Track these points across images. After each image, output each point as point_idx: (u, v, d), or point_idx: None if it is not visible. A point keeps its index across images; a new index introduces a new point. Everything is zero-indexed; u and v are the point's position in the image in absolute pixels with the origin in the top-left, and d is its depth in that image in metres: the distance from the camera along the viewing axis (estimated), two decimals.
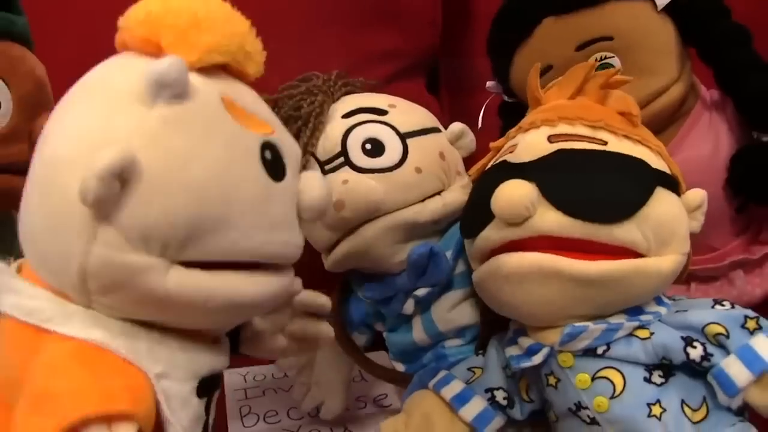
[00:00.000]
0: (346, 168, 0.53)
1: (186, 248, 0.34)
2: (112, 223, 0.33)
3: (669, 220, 0.44)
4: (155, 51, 0.36)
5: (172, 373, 0.36)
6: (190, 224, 0.33)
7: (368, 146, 0.53)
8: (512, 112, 0.64)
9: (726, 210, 0.59)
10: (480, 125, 0.65)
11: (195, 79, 0.36)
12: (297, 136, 0.53)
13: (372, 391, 0.68)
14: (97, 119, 0.35)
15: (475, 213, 0.47)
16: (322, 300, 0.48)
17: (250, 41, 0.39)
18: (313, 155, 0.54)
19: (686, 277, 0.58)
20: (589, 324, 0.43)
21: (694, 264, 0.58)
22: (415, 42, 0.84)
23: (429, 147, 0.55)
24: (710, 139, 0.58)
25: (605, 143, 0.45)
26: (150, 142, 0.33)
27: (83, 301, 0.35)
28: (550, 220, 0.42)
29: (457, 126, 0.58)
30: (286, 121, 0.53)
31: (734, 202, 0.58)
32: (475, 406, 0.50)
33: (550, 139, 0.46)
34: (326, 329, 0.49)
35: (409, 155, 0.53)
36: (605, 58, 0.55)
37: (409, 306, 0.56)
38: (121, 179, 0.32)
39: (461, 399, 0.50)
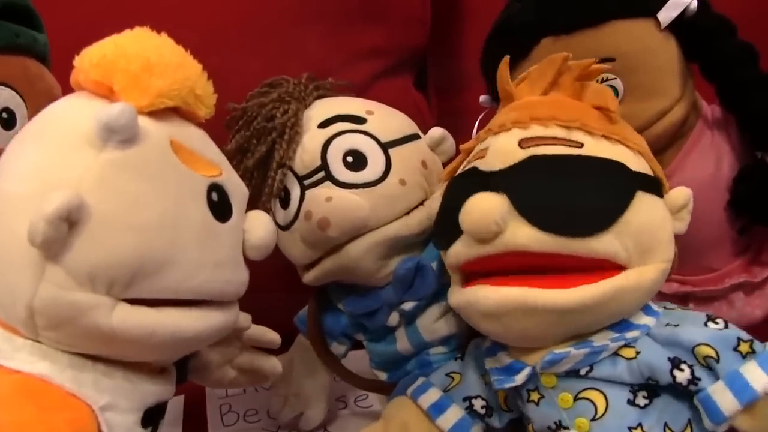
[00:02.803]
0: (328, 183, 0.51)
1: (131, 287, 0.36)
2: (59, 262, 0.34)
3: (651, 227, 0.42)
4: (108, 94, 0.38)
5: (117, 404, 0.38)
6: (135, 265, 0.35)
7: (350, 159, 0.51)
8: None
9: (727, 231, 0.57)
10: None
11: (145, 123, 0.38)
12: (271, 148, 0.52)
13: (352, 392, 0.67)
14: (48, 160, 0.37)
15: (445, 225, 0.45)
16: (271, 336, 0.51)
17: (200, 85, 0.41)
18: (291, 169, 0.52)
19: (684, 296, 0.57)
20: (571, 350, 0.42)
21: (693, 284, 0.57)
22: (403, 40, 0.83)
23: (411, 157, 0.53)
24: (712, 159, 0.57)
25: (581, 145, 0.43)
26: (98, 185, 0.35)
27: (31, 335, 0.37)
28: (522, 234, 0.40)
29: (437, 131, 0.56)
30: (260, 133, 0.52)
31: (736, 223, 0.56)
32: (453, 415, 0.49)
33: (521, 143, 0.43)
34: (274, 364, 0.52)
35: (392, 167, 0.51)
36: (607, 80, 0.53)
37: (393, 319, 0.54)
38: (69, 221, 0.34)
39: (438, 408, 0.50)
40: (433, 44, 0.87)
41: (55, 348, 0.37)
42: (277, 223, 0.52)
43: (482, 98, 0.63)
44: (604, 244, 0.40)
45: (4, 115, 0.50)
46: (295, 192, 0.52)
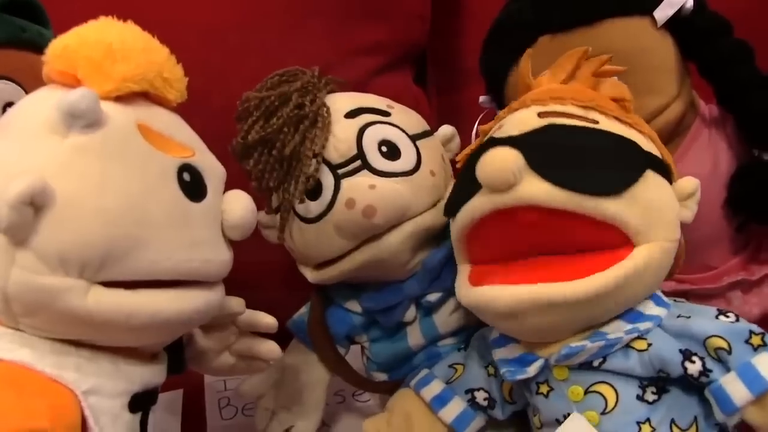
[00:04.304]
0: (365, 171, 0.51)
1: (104, 269, 0.36)
2: (29, 247, 0.35)
3: (658, 204, 0.42)
4: (73, 83, 0.39)
5: (101, 388, 0.38)
6: (105, 246, 0.35)
7: (384, 149, 0.51)
8: None
9: (725, 229, 0.58)
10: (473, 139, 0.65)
11: (110, 108, 0.38)
12: (303, 137, 0.50)
13: (350, 387, 0.66)
14: (13, 151, 0.37)
15: (461, 190, 0.45)
16: (267, 320, 0.50)
17: (168, 68, 0.42)
18: (323, 158, 0.51)
19: (682, 294, 0.57)
20: (587, 343, 0.42)
21: (692, 282, 0.58)
22: (403, 36, 0.83)
23: (435, 149, 0.55)
24: (709, 157, 0.57)
25: (596, 122, 0.44)
26: (63, 170, 0.36)
27: (11, 323, 0.37)
28: (538, 188, 0.40)
29: (448, 129, 0.58)
30: (291, 122, 0.50)
31: (734, 221, 0.57)
32: (455, 407, 0.50)
33: (540, 115, 0.44)
34: (271, 348, 0.51)
35: (422, 158, 0.52)
36: None
37: (410, 314, 0.55)
38: (34, 206, 0.34)
39: (441, 400, 0.50)
40: (433, 41, 0.87)
41: (36, 335, 0.37)
42: (300, 217, 0.52)
43: (482, 99, 0.63)
44: (615, 206, 0.40)
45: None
46: (328, 181, 0.51)
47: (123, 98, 0.39)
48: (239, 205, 0.42)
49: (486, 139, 0.47)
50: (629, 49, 0.53)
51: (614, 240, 0.41)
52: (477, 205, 0.43)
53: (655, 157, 0.44)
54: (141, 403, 0.40)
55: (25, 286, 0.35)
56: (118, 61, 0.39)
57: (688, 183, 0.45)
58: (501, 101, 0.62)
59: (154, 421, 0.43)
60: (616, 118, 0.45)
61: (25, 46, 0.52)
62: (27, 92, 0.49)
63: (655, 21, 0.54)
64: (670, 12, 0.53)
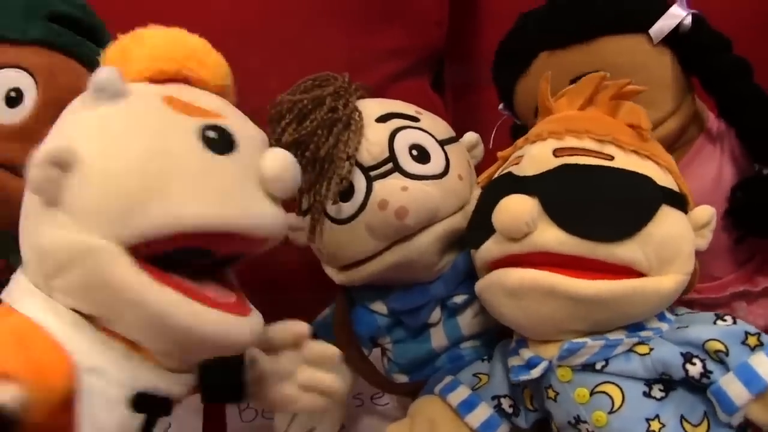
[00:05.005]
0: (397, 174, 0.52)
1: (128, 224, 0.36)
2: (60, 206, 0.37)
3: (673, 240, 0.44)
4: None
5: (105, 372, 0.38)
6: (124, 199, 0.36)
7: (414, 152, 0.53)
8: (524, 133, 0.64)
9: (728, 240, 0.59)
10: (491, 145, 0.66)
11: (138, 86, 0.40)
12: (336, 140, 0.52)
13: (369, 390, 0.67)
14: (54, 128, 0.40)
15: (479, 224, 0.48)
16: (332, 351, 0.46)
17: (203, 52, 0.42)
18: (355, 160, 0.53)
19: (688, 303, 0.57)
20: (587, 340, 0.44)
21: (697, 291, 0.58)
22: (421, 41, 0.84)
23: (461, 155, 0.56)
24: (713, 170, 0.58)
25: (612, 158, 0.45)
26: (88, 134, 0.38)
27: (45, 288, 0.39)
28: (550, 236, 0.43)
29: (473, 136, 0.60)
30: (325, 124, 0.52)
31: (734, 233, 0.58)
32: (482, 412, 0.51)
33: (556, 152, 0.46)
34: (339, 382, 0.47)
35: (451, 163, 0.54)
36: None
37: (435, 315, 0.56)
38: (60, 166, 0.36)
39: (468, 405, 0.51)
40: (450, 46, 0.88)
41: (62, 303, 0.38)
42: (331, 218, 0.53)
43: (501, 106, 0.65)
44: (627, 251, 0.42)
45: (12, 94, 0.50)
46: (360, 183, 0.53)
47: (157, 81, 0.41)
48: (275, 156, 0.40)
49: (504, 172, 0.49)
50: (624, 65, 0.54)
51: (627, 273, 0.43)
52: (491, 249, 0.46)
53: (671, 190, 0.46)
54: (147, 406, 0.39)
55: (56, 244, 0.37)
56: (144, 45, 0.41)
57: (703, 213, 0.47)
58: (513, 111, 0.64)
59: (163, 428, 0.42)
60: (633, 151, 0.46)
61: (54, 48, 0.53)
62: (38, 87, 0.50)
63: (650, 38, 0.55)
64: (666, 29, 0.55)
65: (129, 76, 0.40)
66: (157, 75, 0.41)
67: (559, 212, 0.43)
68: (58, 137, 0.39)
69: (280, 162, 0.40)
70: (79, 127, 0.39)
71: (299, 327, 0.46)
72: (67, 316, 0.38)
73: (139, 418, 0.39)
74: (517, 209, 0.43)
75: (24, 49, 0.51)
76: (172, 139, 0.38)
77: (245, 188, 0.39)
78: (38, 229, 0.38)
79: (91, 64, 0.55)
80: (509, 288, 0.44)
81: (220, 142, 0.39)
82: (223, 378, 0.42)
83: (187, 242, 0.37)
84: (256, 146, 0.41)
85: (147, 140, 0.37)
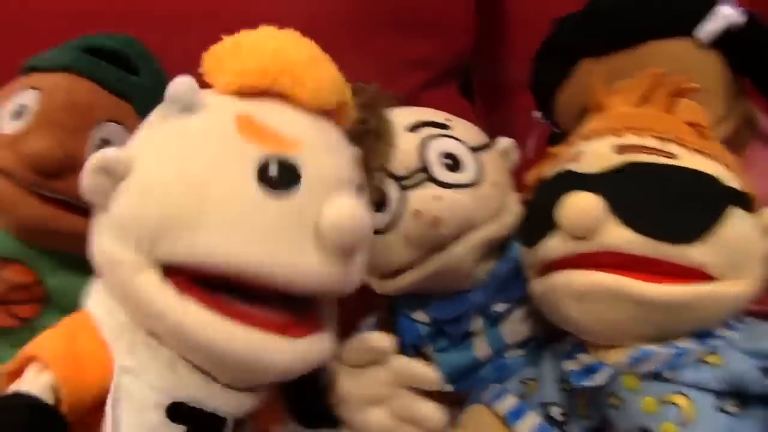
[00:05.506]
0: (430, 184, 0.52)
1: (158, 245, 0.36)
2: (106, 212, 0.38)
3: (742, 242, 0.43)
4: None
5: (142, 374, 0.37)
6: (158, 219, 0.36)
7: (447, 161, 0.53)
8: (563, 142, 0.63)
9: None
10: (531, 154, 0.65)
11: (214, 98, 0.39)
12: (368, 151, 0.52)
13: None
14: (132, 138, 0.41)
15: (536, 221, 0.47)
16: (433, 375, 0.44)
17: (303, 68, 0.39)
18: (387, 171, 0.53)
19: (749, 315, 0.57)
20: (657, 348, 0.43)
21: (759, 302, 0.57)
22: (450, 50, 0.84)
23: (495, 161, 0.56)
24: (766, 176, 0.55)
25: (675, 156, 0.44)
26: (148, 148, 0.38)
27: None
28: (619, 236, 0.41)
29: (507, 142, 0.59)
30: (354, 136, 0.50)
31: None
32: (531, 421, 0.50)
33: (618, 150, 0.45)
34: (440, 413, 0.43)
35: (484, 170, 0.53)
36: None
37: (476, 324, 0.55)
38: (109, 174, 0.37)
39: (516, 414, 0.50)
40: (477, 52, 0.88)
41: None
42: None
43: (539, 114, 0.64)
44: (698, 252, 0.41)
45: (18, 108, 0.52)
46: (394, 193, 0.53)
47: (244, 94, 0.39)
48: (339, 204, 0.36)
49: (563, 170, 0.47)
50: (671, 71, 0.51)
51: (696, 276, 0.42)
52: (556, 247, 0.44)
53: (736, 191, 0.44)
54: (186, 417, 0.38)
55: (98, 249, 0.39)
56: (240, 56, 0.39)
57: None
58: (553, 119, 0.62)
59: None
60: (696, 150, 0.45)
61: (78, 73, 0.55)
62: (38, 102, 0.52)
63: (698, 41, 0.53)
64: (714, 31, 0.52)
65: (218, 86, 0.39)
66: (245, 90, 0.39)
67: (628, 211, 0.42)
68: (126, 146, 0.40)
69: (341, 211, 0.36)
70: (146, 139, 0.39)
71: (382, 340, 0.44)
72: (118, 316, 0.39)
73: (179, 430, 0.38)
74: (585, 206, 0.42)
75: (49, 75, 0.54)
76: (225, 168, 0.37)
77: (291, 234, 0.36)
78: (95, 230, 0.39)
79: (110, 85, 0.57)
80: (577, 290, 0.43)
81: (280, 178, 0.36)
82: (299, 402, 0.42)
83: (218, 275, 0.36)
84: (325, 186, 0.37)
85: (197, 166, 0.37)
